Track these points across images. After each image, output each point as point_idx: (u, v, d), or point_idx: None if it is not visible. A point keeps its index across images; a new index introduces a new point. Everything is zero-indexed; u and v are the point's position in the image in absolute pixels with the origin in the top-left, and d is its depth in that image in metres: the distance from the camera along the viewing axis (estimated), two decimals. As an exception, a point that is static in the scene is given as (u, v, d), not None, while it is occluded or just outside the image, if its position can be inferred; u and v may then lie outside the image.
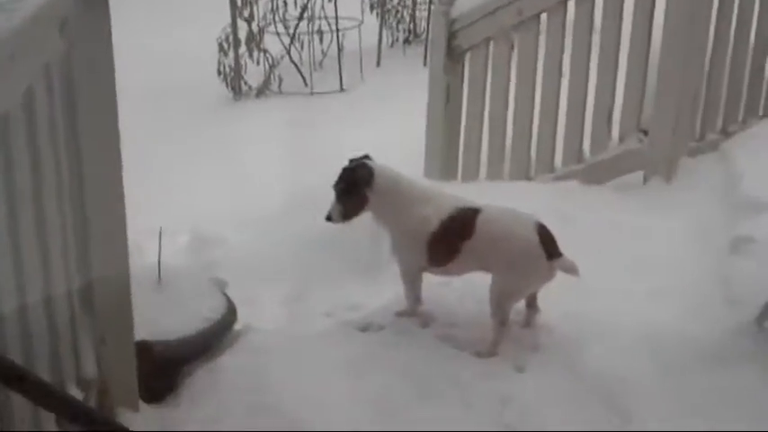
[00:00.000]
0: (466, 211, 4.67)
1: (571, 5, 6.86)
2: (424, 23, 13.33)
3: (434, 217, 4.65)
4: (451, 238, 4.64)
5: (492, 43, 7.06)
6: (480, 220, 4.62)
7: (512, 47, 7.04)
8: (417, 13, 13.67)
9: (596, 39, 6.88)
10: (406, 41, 13.59)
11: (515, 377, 4.42)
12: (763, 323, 4.45)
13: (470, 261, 4.68)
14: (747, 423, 3.91)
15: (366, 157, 4.84)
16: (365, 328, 4.79)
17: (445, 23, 7.09)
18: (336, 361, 4.45)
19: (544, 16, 6.90)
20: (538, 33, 6.95)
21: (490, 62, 7.11)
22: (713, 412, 4.01)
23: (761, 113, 7.41)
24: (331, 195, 4.73)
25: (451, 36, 7.09)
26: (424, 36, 13.13)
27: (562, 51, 6.92)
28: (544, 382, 4.36)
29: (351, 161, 4.82)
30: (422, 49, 12.58)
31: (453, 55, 7.17)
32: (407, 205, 4.69)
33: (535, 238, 4.51)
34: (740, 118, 7.37)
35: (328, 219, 4.75)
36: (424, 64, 11.92)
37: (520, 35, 6.99)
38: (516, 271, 4.58)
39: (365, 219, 5.28)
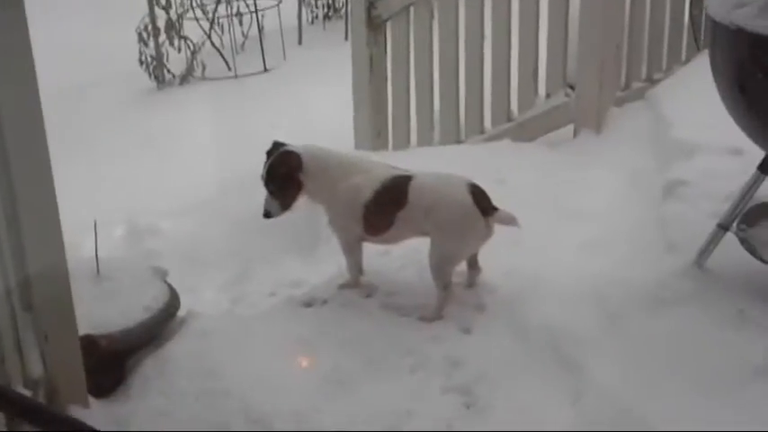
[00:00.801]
0: (398, 178, 4.66)
1: (489, -35, 6.88)
2: (343, -1, 13.32)
3: (367, 187, 4.63)
4: (385, 207, 4.63)
5: (412, 10, 7.05)
6: (412, 186, 4.60)
7: (432, 12, 7.04)
8: (335, -13, 13.66)
9: (515, -1, 6.91)
10: (326, 17, 13.61)
11: (463, 339, 4.42)
12: (702, 264, 4.48)
13: (407, 228, 4.67)
14: (693, 362, 3.95)
15: (279, 144, 4.79)
16: (309, 303, 4.77)
17: (364, -6, 7.08)
18: (284, 339, 4.42)
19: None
20: (457, -3, 6.96)
21: (412, 30, 7.11)
22: (660, 354, 4.04)
23: (683, 59, 7.47)
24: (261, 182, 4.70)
25: (371, 6, 7.07)
26: (343, 11, 13.11)
27: (482, 13, 6.94)
28: (491, 341, 4.36)
29: (269, 153, 4.76)
30: (342, 24, 12.60)
31: (374, 25, 7.15)
32: (340, 178, 4.66)
33: (468, 198, 4.51)
34: (664, 65, 7.43)
35: (267, 215, 4.71)
36: (346, 38, 11.94)
37: (439, 0, 6.98)
38: (453, 233, 4.58)
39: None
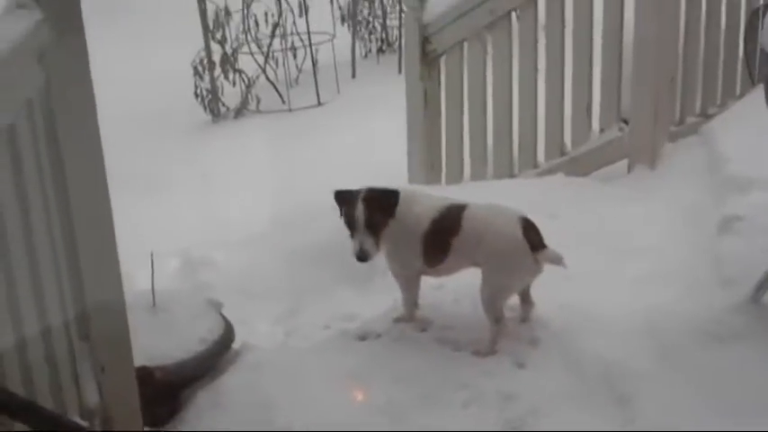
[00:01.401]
0: (452, 208, 4.68)
1: (541, 1, 6.89)
2: (395, 32, 13.32)
3: (424, 216, 4.65)
4: (441, 236, 4.64)
5: (466, 45, 7.09)
6: (466, 215, 4.63)
7: (485, 47, 7.07)
8: (388, 22, 13.66)
9: (569, 32, 6.91)
10: (380, 51, 13.60)
11: (516, 373, 4.42)
12: (758, 299, 4.46)
13: (460, 258, 4.68)
14: (745, 399, 3.93)
15: (343, 192, 4.72)
16: (363, 336, 4.78)
17: (418, 29, 7.13)
18: (338, 372, 4.44)
19: (515, 15, 6.94)
20: (511, 31, 6.98)
21: (466, 64, 7.15)
22: (713, 390, 4.02)
23: (738, 93, 7.43)
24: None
25: (425, 41, 7.13)
26: (396, 45, 13.13)
27: (536, 48, 6.96)
28: (544, 375, 4.36)
29: (343, 193, 4.69)
30: (395, 58, 12.62)
31: (428, 60, 7.20)
32: (400, 211, 4.69)
33: (518, 231, 4.52)
34: (718, 100, 7.39)
35: (363, 258, 4.61)
36: (399, 72, 11.94)
37: (493, 35, 7.01)
38: (503, 266, 4.58)
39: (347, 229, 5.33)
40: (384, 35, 13.63)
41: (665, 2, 6.61)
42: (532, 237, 4.53)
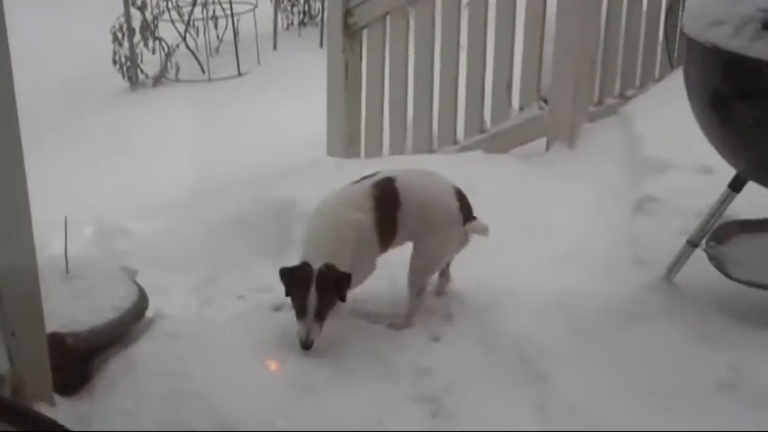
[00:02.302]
0: (381, 184, 4.55)
1: (466, -22, 6.90)
2: (318, 5, 13.28)
3: (363, 212, 4.46)
4: (388, 217, 4.51)
5: (389, 19, 7.07)
6: (400, 187, 4.54)
7: (408, 21, 7.06)
8: (311, -6, 13.66)
9: (492, 10, 6.92)
10: (302, 24, 13.58)
11: (431, 348, 4.43)
12: (670, 279, 4.51)
13: (404, 232, 4.59)
14: (659, 376, 3.98)
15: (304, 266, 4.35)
16: (278, 307, 4.74)
17: (341, 1, 7.09)
18: (252, 342, 4.41)
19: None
20: (434, 6, 6.97)
21: (388, 38, 7.13)
22: (627, 369, 4.07)
23: (657, 76, 7.51)
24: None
25: (347, 14, 7.11)
26: (318, 18, 13.09)
27: (459, 24, 6.96)
28: (460, 351, 4.38)
29: (292, 270, 4.35)
30: (317, 31, 12.61)
31: (350, 33, 7.19)
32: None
33: (455, 201, 4.53)
34: (637, 82, 7.46)
35: (308, 348, 4.27)
36: (321, 45, 11.99)
37: (416, 9, 7.00)
38: (439, 238, 4.57)
39: (269, 200, 5.31)
40: (306, 8, 13.58)
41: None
42: (465, 207, 4.54)
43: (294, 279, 4.30)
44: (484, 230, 4.59)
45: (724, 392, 3.84)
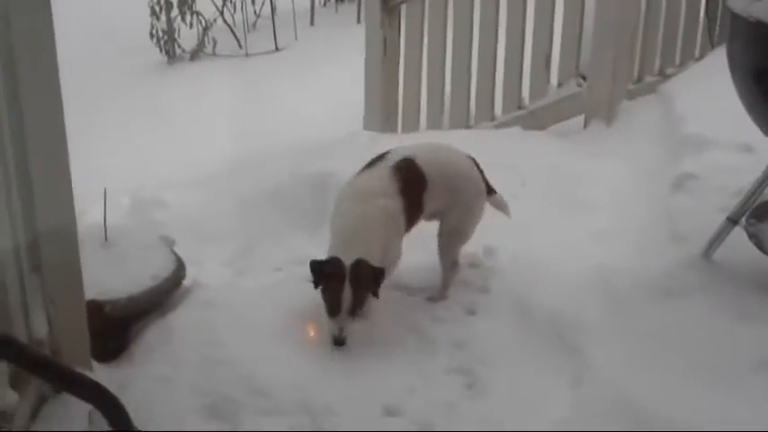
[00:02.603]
0: (401, 165, 4.46)
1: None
2: (356, -18, 13.30)
3: (390, 197, 4.39)
4: (414, 197, 4.46)
5: (428, -7, 7.06)
6: (423, 166, 4.49)
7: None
8: (349, -29, 13.62)
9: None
10: (339, 0, 13.53)
11: (467, 320, 4.45)
12: (709, 256, 4.48)
13: (431, 207, 4.57)
14: (696, 353, 3.95)
15: (330, 261, 4.26)
16: (316, 279, 4.77)
17: (380, -23, 7.09)
18: (288, 314, 4.43)
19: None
20: (474, -19, 6.96)
21: (426, 13, 7.11)
22: (664, 344, 4.05)
23: (697, 56, 7.46)
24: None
25: (386, -11, 7.09)
26: (356, -7, 13.12)
27: (498, 0, 6.94)
28: (495, 324, 4.39)
29: (323, 264, 4.24)
30: (354, 7, 12.59)
31: (388, 8, 7.17)
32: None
33: (478, 173, 4.53)
34: (677, 60, 7.40)
35: (341, 344, 4.20)
36: (358, 21, 11.97)
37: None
38: (469, 210, 4.57)
39: (306, 173, 5.31)
40: (344, -16, 13.58)
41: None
42: (486, 181, 4.54)
43: (326, 274, 4.21)
44: (505, 207, 4.58)
45: (762, 371, 3.80)
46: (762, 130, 4.20)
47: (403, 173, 4.44)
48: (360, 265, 4.18)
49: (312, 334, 4.33)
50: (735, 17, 4.05)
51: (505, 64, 7.07)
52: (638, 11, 6.91)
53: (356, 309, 4.20)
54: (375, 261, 4.24)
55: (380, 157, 4.56)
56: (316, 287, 4.25)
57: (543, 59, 6.98)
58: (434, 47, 7.17)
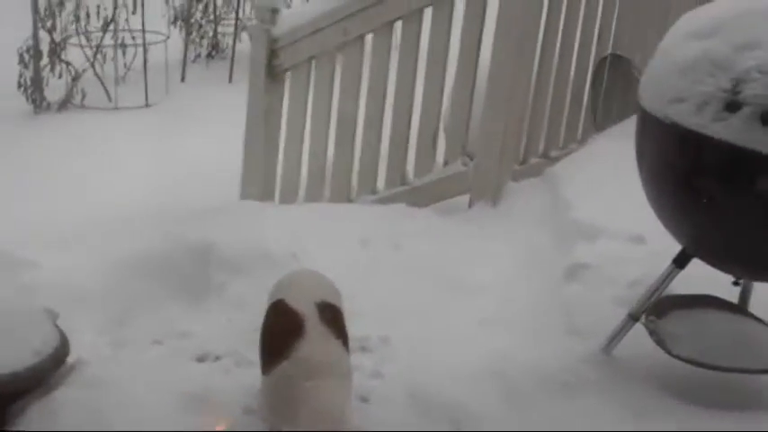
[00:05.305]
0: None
1: (398, 27, 6.83)
2: (227, 39, 13.20)
3: None
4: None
5: (315, 63, 6.96)
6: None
7: (334, 66, 6.97)
8: (220, 28, 13.54)
9: (422, 62, 6.87)
10: (209, 56, 13.42)
11: (361, 408, 4.30)
12: (609, 351, 4.48)
13: None
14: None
15: None
16: (202, 358, 4.60)
17: (266, 42, 6.95)
18: (176, 394, 4.25)
19: (370, 37, 6.85)
20: (362, 54, 6.89)
21: (312, 82, 7.02)
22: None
23: (579, 138, 7.52)
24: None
25: (272, 55, 6.96)
26: (227, 51, 12.99)
27: (387, 73, 6.89)
28: (391, 413, 4.26)
29: None
30: (225, 64, 12.53)
31: (274, 74, 7.04)
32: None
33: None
34: (561, 143, 7.45)
35: None
36: (230, 80, 11.87)
37: (344, 55, 6.91)
38: None
39: (185, 240, 5.14)
40: (215, 41, 13.45)
41: (524, 42, 6.60)
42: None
43: None
44: None
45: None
46: (665, 225, 4.22)
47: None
48: None
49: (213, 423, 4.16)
50: (647, 115, 4.06)
51: (391, 138, 7.01)
52: (527, 94, 6.92)
53: None
54: None
55: None
56: None
57: (431, 135, 6.94)
58: (318, 115, 7.07)
